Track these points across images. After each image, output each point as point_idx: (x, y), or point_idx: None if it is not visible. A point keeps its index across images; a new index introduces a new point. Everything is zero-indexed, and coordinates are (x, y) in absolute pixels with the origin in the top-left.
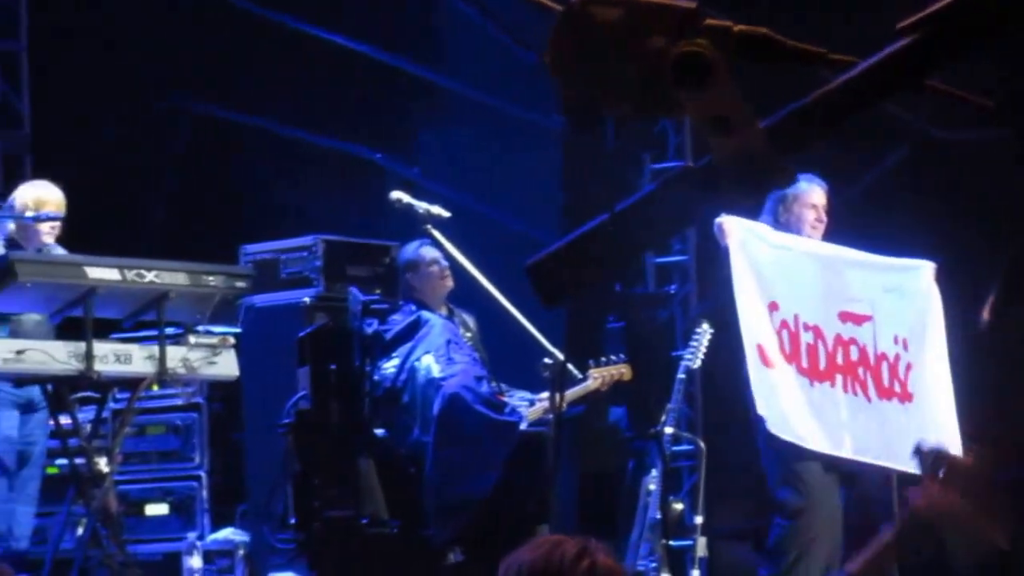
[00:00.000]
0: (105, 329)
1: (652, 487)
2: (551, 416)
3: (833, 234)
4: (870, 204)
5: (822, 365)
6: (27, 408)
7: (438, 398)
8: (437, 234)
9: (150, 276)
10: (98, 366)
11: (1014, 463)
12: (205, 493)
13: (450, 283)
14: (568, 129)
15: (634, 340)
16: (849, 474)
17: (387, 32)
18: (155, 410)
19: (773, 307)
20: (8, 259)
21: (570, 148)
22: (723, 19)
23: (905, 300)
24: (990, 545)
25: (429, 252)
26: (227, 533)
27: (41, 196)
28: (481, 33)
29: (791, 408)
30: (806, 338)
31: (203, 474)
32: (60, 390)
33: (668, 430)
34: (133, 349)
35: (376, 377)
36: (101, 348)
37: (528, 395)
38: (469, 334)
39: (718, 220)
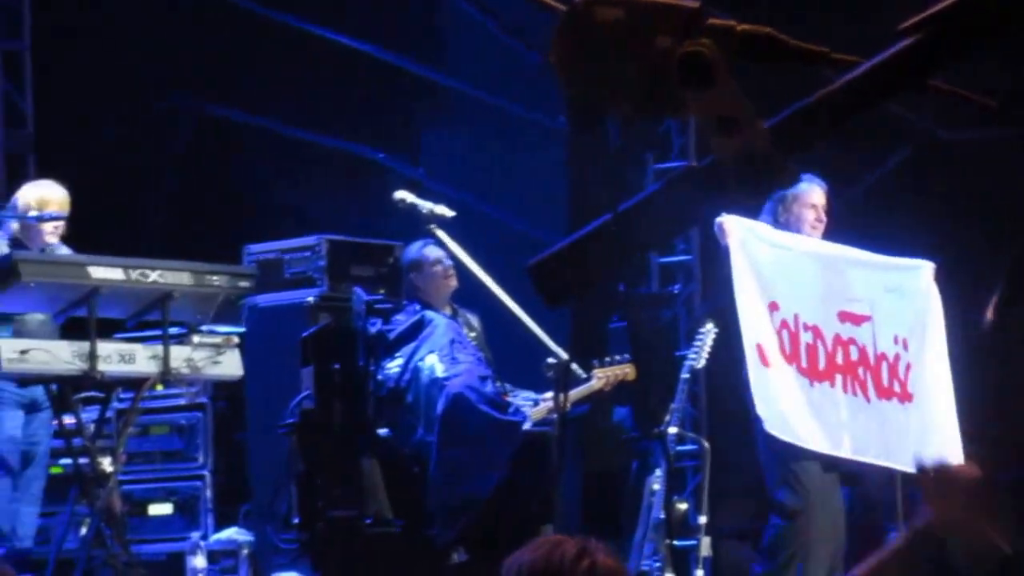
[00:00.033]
0: (109, 329)
1: (656, 487)
2: (555, 416)
3: (835, 234)
4: (871, 204)
5: (821, 365)
6: (31, 408)
7: (442, 398)
8: (441, 234)
9: (154, 276)
10: (102, 366)
11: (1014, 464)
12: (209, 493)
13: (454, 283)
14: (571, 129)
15: (638, 340)
16: (851, 474)
17: (390, 32)
18: (159, 410)
19: (773, 307)
20: (12, 259)
21: (574, 148)
22: (726, 19)
23: (905, 300)
24: (992, 548)
25: (433, 252)
26: (231, 533)
27: (44, 196)
28: (484, 33)
29: (790, 408)
30: (805, 338)
31: (207, 474)
32: (64, 390)
33: (672, 430)
34: (137, 349)
35: (380, 377)
36: (105, 348)
37: (532, 395)
38: (473, 334)
39: (718, 220)
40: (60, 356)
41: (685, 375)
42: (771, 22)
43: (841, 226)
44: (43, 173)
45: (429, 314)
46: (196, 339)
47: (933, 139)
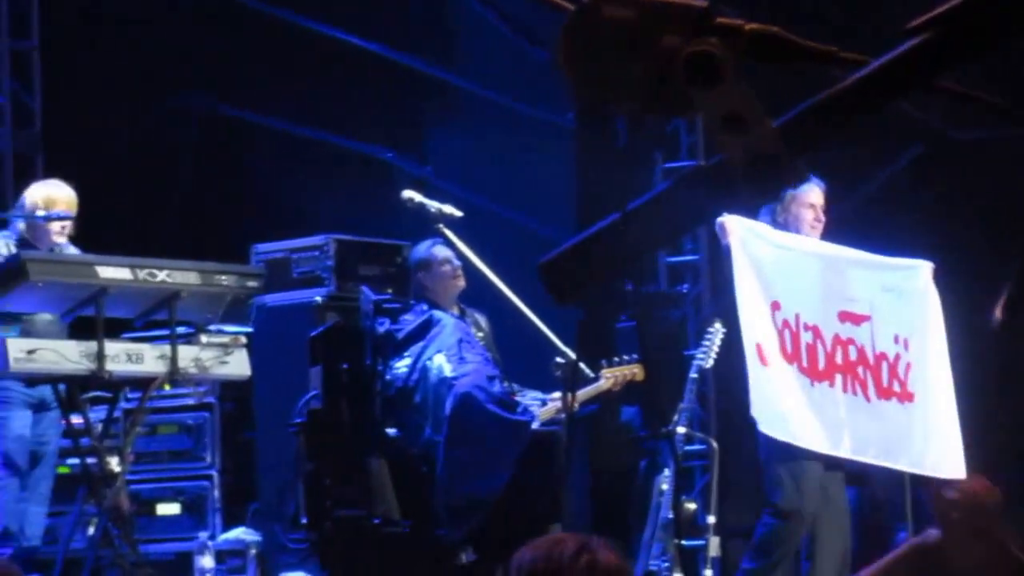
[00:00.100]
0: (117, 329)
1: (664, 487)
2: (563, 415)
3: (836, 234)
4: (873, 204)
5: (821, 365)
6: (39, 407)
7: (450, 397)
8: (449, 233)
9: (162, 275)
10: (110, 365)
11: (1014, 464)
12: (217, 493)
13: (462, 282)
14: (579, 127)
15: (646, 340)
16: (857, 474)
17: (399, 31)
18: (167, 409)
19: (776, 306)
20: (20, 258)
21: (583, 147)
22: (734, 18)
23: (903, 300)
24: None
25: (441, 251)
26: (239, 533)
27: (51, 195)
28: (493, 32)
29: (790, 407)
30: (806, 338)
31: (215, 473)
32: (72, 390)
33: (680, 430)
34: (145, 349)
35: (388, 377)
36: (113, 347)
37: (540, 395)
38: (481, 333)
39: (719, 219)
40: (68, 356)
41: (694, 375)
42: (775, 21)
43: (842, 226)
44: (51, 172)
45: (437, 314)
46: (204, 339)
47: (939, 139)
